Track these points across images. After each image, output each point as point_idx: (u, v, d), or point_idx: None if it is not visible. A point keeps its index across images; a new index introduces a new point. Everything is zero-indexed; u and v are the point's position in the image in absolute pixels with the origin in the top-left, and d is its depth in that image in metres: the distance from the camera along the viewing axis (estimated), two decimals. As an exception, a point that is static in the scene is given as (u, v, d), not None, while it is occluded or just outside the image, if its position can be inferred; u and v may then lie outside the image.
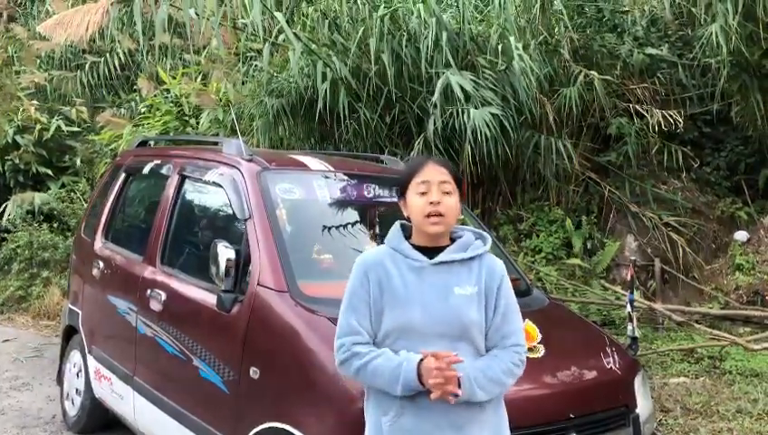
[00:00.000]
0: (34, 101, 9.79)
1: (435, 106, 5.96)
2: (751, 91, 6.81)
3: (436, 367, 2.03)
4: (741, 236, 7.22)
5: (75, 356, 4.88)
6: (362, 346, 2.15)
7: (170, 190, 4.11)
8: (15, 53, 11.12)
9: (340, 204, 3.79)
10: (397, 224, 2.31)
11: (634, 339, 4.00)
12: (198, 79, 8.56)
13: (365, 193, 3.84)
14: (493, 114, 5.90)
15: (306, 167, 3.93)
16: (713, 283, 6.94)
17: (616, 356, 3.28)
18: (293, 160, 4.11)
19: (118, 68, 9.99)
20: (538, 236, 6.98)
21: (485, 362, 2.16)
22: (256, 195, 3.44)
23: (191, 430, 3.38)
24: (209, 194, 4.00)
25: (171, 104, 8.44)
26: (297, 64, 6.24)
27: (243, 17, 6.77)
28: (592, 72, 6.67)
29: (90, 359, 4.59)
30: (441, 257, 2.20)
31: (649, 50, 7.07)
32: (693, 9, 6.79)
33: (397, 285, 2.17)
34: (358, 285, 2.20)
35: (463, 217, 3.12)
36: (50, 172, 9.42)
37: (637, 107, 6.92)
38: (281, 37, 6.59)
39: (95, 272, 4.67)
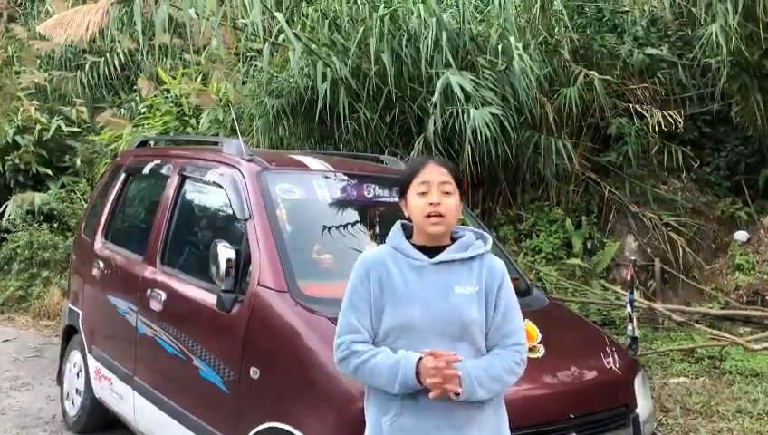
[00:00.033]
0: (34, 102, 9.79)
1: (435, 106, 5.96)
2: (751, 91, 6.81)
3: (434, 366, 2.03)
4: (741, 236, 7.22)
5: (75, 356, 4.88)
6: (361, 345, 2.16)
7: (170, 190, 4.11)
8: (15, 53, 11.12)
9: (341, 204, 3.79)
10: (398, 223, 2.31)
11: (634, 339, 4.01)
12: (198, 79, 8.56)
13: (365, 193, 3.84)
14: (493, 114, 5.90)
15: (306, 167, 3.93)
16: (713, 283, 6.94)
17: (616, 356, 3.29)
18: (293, 160, 4.11)
19: (118, 68, 10.00)
20: (538, 236, 6.98)
21: (487, 361, 2.16)
22: (256, 195, 3.44)
23: (191, 429, 3.38)
24: (209, 194, 4.00)
25: (171, 104, 8.45)
26: (297, 64, 6.24)
27: (243, 17, 6.77)
28: (592, 72, 6.67)
29: (90, 359, 4.59)
30: (442, 257, 2.20)
31: (649, 50, 7.07)
32: (693, 9, 6.79)
33: (397, 283, 2.18)
34: (358, 283, 2.21)
35: (463, 217, 3.12)
36: (50, 172, 9.42)
37: (637, 107, 6.92)
38: (281, 37, 6.59)
39: (95, 272, 4.67)
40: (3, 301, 8.29)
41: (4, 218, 8.85)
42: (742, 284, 6.75)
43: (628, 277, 4.55)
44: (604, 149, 7.41)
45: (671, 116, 6.56)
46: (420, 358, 2.07)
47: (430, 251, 2.22)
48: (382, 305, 2.17)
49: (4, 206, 9.02)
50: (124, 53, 9.86)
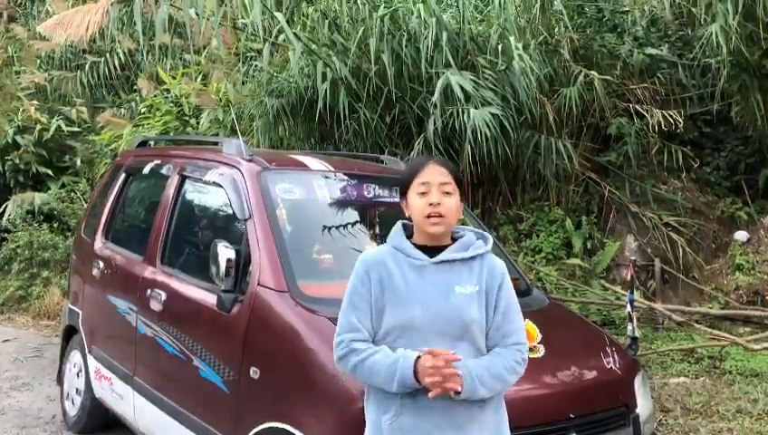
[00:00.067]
0: (34, 102, 9.79)
1: (435, 106, 5.96)
2: (751, 91, 6.81)
3: (432, 365, 2.03)
4: (741, 236, 7.22)
5: (75, 356, 4.88)
6: (361, 343, 2.16)
7: (170, 190, 4.11)
8: (15, 53, 11.12)
9: (341, 204, 3.79)
10: (399, 223, 2.32)
11: (634, 339, 4.01)
12: (198, 79, 8.56)
13: (365, 193, 3.84)
14: (493, 114, 5.90)
15: (306, 167, 3.93)
16: (713, 283, 6.95)
17: (616, 356, 3.29)
18: (293, 160, 4.11)
19: (118, 68, 10.00)
20: (538, 236, 6.98)
21: (489, 360, 2.17)
22: (256, 195, 3.44)
23: (191, 429, 3.38)
24: (209, 194, 4.00)
25: (171, 104, 8.45)
26: (297, 64, 6.24)
27: (243, 17, 6.77)
28: (592, 72, 6.67)
29: (90, 359, 4.59)
30: (442, 256, 2.21)
31: (649, 50, 7.07)
32: (693, 9, 6.79)
33: (398, 283, 2.18)
34: (359, 283, 2.21)
35: (463, 217, 3.13)
36: (50, 172, 9.42)
37: (637, 107, 6.92)
38: (281, 37, 6.59)
39: (95, 272, 4.67)
40: (3, 301, 8.29)
41: (5, 218, 8.85)
42: (742, 284, 6.75)
43: (629, 277, 4.55)
44: (604, 149, 7.41)
45: (671, 116, 6.56)
46: (419, 357, 2.07)
47: (431, 251, 2.22)
48: (383, 305, 2.18)
49: (4, 206, 9.03)
50: (124, 53, 9.86)
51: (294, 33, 6.14)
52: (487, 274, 2.23)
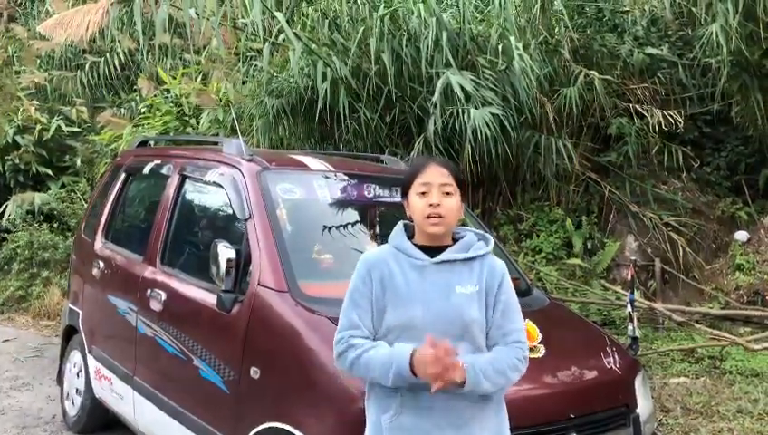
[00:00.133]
0: (34, 101, 9.80)
1: (435, 106, 5.96)
2: (751, 90, 6.81)
3: (434, 356, 2.00)
4: (741, 236, 7.22)
5: (75, 356, 4.88)
6: (360, 339, 2.16)
7: (170, 190, 4.11)
8: (15, 52, 11.12)
9: (341, 204, 3.79)
10: (400, 223, 2.32)
11: (634, 339, 4.00)
12: (198, 79, 8.56)
13: (365, 193, 3.84)
14: (493, 114, 5.90)
15: (306, 167, 3.93)
16: (713, 283, 6.94)
17: (616, 356, 3.28)
18: (294, 160, 4.11)
19: (118, 68, 10.01)
20: (538, 236, 6.98)
21: (491, 355, 2.17)
22: (257, 195, 3.44)
23: (191, 429, 3.38)
24: (209, 194, 4.00)
25: (171, 104, 8.45)
26: (297, 64, 6.24)
27: (243, 17, 6.77)
28: (592, 71, 6.67)
29: (90, 359, 4.59)
30: (443, 256, 2.21)
31: (650, 50, 7.07)
32: (693, 9, 6.79)
33: (399, 283, 2.18)
34: (360, 282, 2.21)
35: (463, 217, 3.13)
36: (50, 172, 9.42)
37: (637, 107, 6.92)
38: (281, 37, 6.58)
39: (95, 272, 4.67)
40: (3, 301, 8.29)
41: (5, 218, 8.85)
42: (742, 284, 6.75)
43: (629, 277, 4.55)
44: (604, 148, 7.41)
45: (671, 116, 6.56)
46: (414, 350, 2.06)
47: (432, 251, 2.22)
48: (384, 305, 2.18)
49: (4, 206, 9.03)
50: (124, 53, 9.87)
51: (294, 33, 6.14)
52: (487, 274, 2.23)
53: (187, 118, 8.25)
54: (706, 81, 7.34)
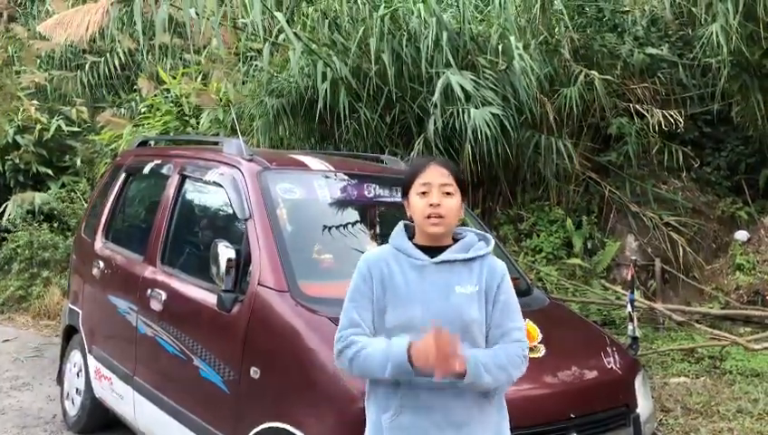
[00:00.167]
0: (35, 101, 9.80)
1: (435, 106, 5.96)
2: (751, 90, 6.81)
3: (436, 343, 1.98)
4: (741, 235, 7.22)
5: (75, 356, 4.88)
6: (359, 337, 2.16)
7: (171, 190, 4.11)
8: (16, 52, 11.12)
9: (341, 204, 3.79)
10: (400, 224, 2.32)
11: (634, 339, 4.00)
12: (198, 79, 8.56)
13: (365, 193, 3.84)
14: (493, 114, 5.90)
15: (306, 167, 3.93)
16: (713, 283, 6.94)
17: (616, 356, 3.28)
18: (294, 160, 4.11)
19: (118, 68, 10.01)
20: (538, 235, 6.98)
21: (493, 351, 2.16)
22: (257, 194, 3.44)
23: (191, 429, 3.38)
24: (210, 194, 4.00)
25: (171, 104, 8.45)
26: (297, 64, 6.24)
27: (243, 17, 6.77)
28: (593, 71, 6.67)
29: (90, 359, 4.58)
30: (443, 256, 2.21)
31: (650, 50, 7.07)
32: (693, 9, 6.79)
33: (399, 282, 2.18)
34: (361, 281, 2.22)
35: (464, 217, 3.13)
36: (50, 172, 9.42)
37: (637, 107, 6.92)
38: (281, 37, 6.59)
39: (95, 272, 4.67)
40: (3, 301, 8.29)
41: (5, 218, 8.85)
42: (742, 283, 6.75)
43: (629, 277, 4.54)
44: (604, 148, 7.41)
45: (671, 116, 6.56)
46: (412, 342, 2.05)
47: (432, 251, 2.22)
48: (384, 305, 2.18)
49: (4, 206, 9.03)
50: (124, 53, 9.86)
51: (294, 33, 6.14)
52: (487, 274, 2.23)
53: (187, 118, 8.25)
54: (707, 81, 7.34)
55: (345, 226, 3.67)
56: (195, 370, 3.38)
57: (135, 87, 9.75)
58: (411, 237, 2.28)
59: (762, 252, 7.01)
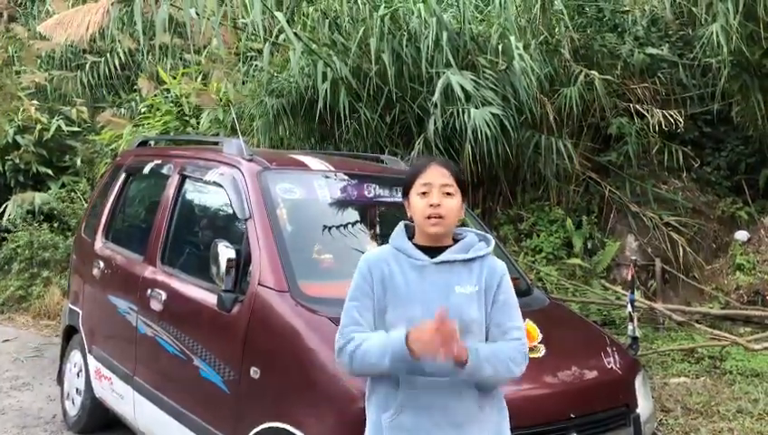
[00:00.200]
0: (35, 101, 9.80)
1: (435, 106, 5.96)
2: (751, 90, 6.81)
3: (438, 326, 1.98)
4: (741, 235, 7.22)
5: (75, 356, 4.88)
6: (359, 333, 2.16)
7: (171, 190, 4.11)
8: (16, 52, 11.12)
9: (341, 204, 3.79)
10: (401, 224, 2.33)
11: (635, 339, 4.00)
12: (199, 79, 8.56)
13: (365, 193, 3.84)
14: (493, 114, 5.90)
15: (307, 167, 3.93)
16: (713, 283, 6.94)
17: (616, 356, 3.28)
18: (294, 160, 4.11)
19: (118, 68, 10.01)
20: (538, 235, 6.98)
21: (493, 345, 2.17)
22: (257, 194, 3.44)
23: (191, 429, 3.38)
24: (210, 194, 4.00)
25: (171, 104, 8.45)
26: (297, 64, 6.24)
27: (243, 17, 6.77)
28: (593, 71, 6.67)
29: (90, 359, 4.59)
30: (443, 257, 2.21)
31: (650, 50, 7.07)
32: (693, 9, 6.79)
33: (399, 282, 2.18)
34: (362, 280, 2.22)
35: (464, 217, 3.13)
36: (50, 172, 9.42)
37: (637, 107, 6.92)
38: (281, 37, 6.59)
39: (95, 272, 4.67)
40: (3, 301, 8.29)
41: (5, 218, 8.85)
42: (742, 283, 6.75)
43: (629, 277, 4.54)
44: (604, 148, 7.41)
45: (672, 116, 6.56)
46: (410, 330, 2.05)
47: (432, 251, 2.22)
48: (385, 305, 2.18)
49: (4, 206, 9.03)
50: (124, 53, 9.87)
51: (295, 33, 6.14)
52: (487, 274, 2.23)
53: (187, 118, 8.25)
54: (707, 81, 7.34)
55: (345, 226, 3.67)
56: (195, 370, 3.38)
57: (135, 87, 9.75)
58: (411, 238, 2.28)
59: (762, 252, 7.01)
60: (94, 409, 4.57)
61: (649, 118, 6.72)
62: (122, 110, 9.80)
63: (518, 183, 7.27)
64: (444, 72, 5.99)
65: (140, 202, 4.88)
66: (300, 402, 2.80)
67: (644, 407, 3.25)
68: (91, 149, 9.51)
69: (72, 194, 9.00)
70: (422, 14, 6.11)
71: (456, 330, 2.01)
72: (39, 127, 9.37)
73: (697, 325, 6.00)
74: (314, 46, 6.38)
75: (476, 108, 5.90)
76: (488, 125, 5.82)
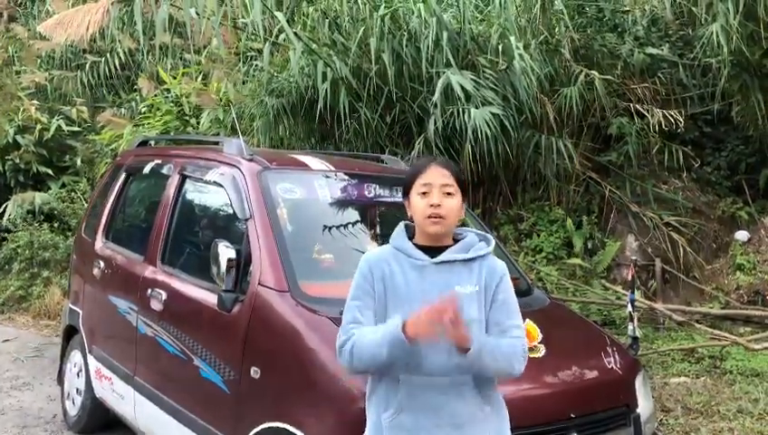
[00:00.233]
0: (35, 101, 9.80)
1: (435, 106, 5.96)
2: (751, 90, 6.81)
3: (438, 308, 1.99)
4: (741, 235, 7.22)
5: (76, 356, 4.88)
6: (359, 329, 2.16)
7: (171, 190, 4.11)
8: (16, 52, 11.13)
9: (341, 204, 3.79)
10: (401, 224, 2.33)
11: (635, 339, 4.00)
12: (199, 79, 8.57)
13: (365, 193, 3.84)
14: (493, 114, 5.90)
15: (307, 166, 3.93)
16: (713, 282, 6.94)
17: (617, 356, 3.28)
18: (294, 160, 4.10)
19: (118, 68, 10.01)
20: (539, 235, 6.98)
21: (496, 339, 2.16)
22: (257, 194, 3.44)
23: (191, 429, 3.38)
24: (210, 194, 4.00)
25: (172, 104, 8.45)
26: (297, 64, 6.24)
27: (243, 17, 6.77)
28: (593, 71, 6.67)
29: (90, 359, 4.59)
30: (443, 257, 2.21)
31: (650, 49, 7.07)
32: (693, 9, 6.79)
33: (399, 282, 2.19)
34: (362, 280, 2.22)
35: (464, 217, 3.13)
36: (50, 172, 9.42)
37: (637, 107, 6.92)
38: (281, 37, 6.59)
39: (96, 272, 4.67)
40: (3, 301, 8.29)
41: (5, 218, 8.85)
42: (742, 283, 6.75)
43: (629, 277, 4.55)
44: (605, 148, 7.41)
45: (672, 116, 6.56)
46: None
47: (432, 251, 2.22)
48: (385, 304, 2.18)
49: (4, 205, 9.03)
50: (124, 53, 9.87)
51: (295, 33, 6.14)
52: (487, 274, 2.23)
53: (187, 118, 8.25)
54: (707, 80, 7.34)
55: (345, 226, 3.67)
56: (195, 370, 3.38)
57: (135, 87, 9.76)
58: (412, 238, 2.28)
59: (762, 252, 7.01)
60: (94, 409, 4.57)
61: (649, 118, 6.72)
62: (122, 109, 9.80)
63: (518, 183, 7.27)
64: (444, 72, 5.99)
65: (141, 202, 4.88)
66: (300, 402, 2.80)
67: (644, 407, 3.25)
68: (91, 148, 9.51)
69: (73, 194, 9.00)
70: (422, 13, 6.11)
71: (458, 307, 2.00)
72: (39, 127, 9.37)
73: (698, 325, 6.00)
74: (314, 46, 6.38)
75: (476, 108, 5.90)
76: (488, 125, 5.82)
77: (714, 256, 7.28)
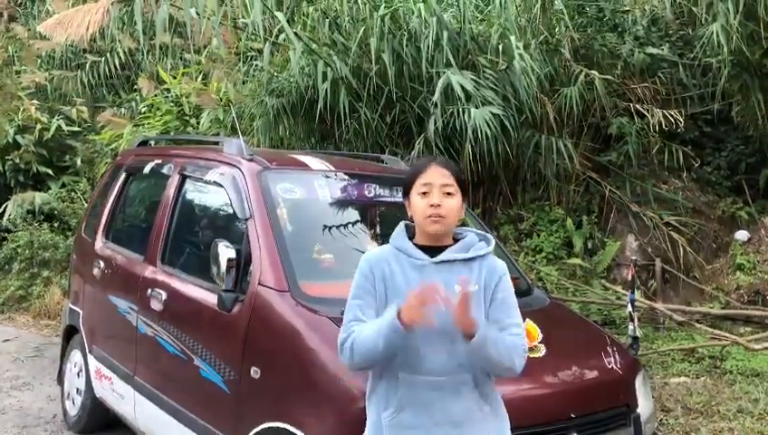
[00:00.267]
0: (35, 101, 9.80)
1: (435, 106, 5.96)
2: (752, 90, 6.81)
3: (426, 290, 2.00)
4: (741, 235, 7.22)
5: (76, 356, 4.88)
6: (359, 326, 2.16)
7: (171, 190, 4.11)
8: (16, 52, 11.13)
9: (341, 204, 3.79)
10: (401, 224, 2.33)
11: (635, 339, 4.00)
12: (199, 78, 8.57)
13: (366, 193, 3.84)
14: (493, 114, 5.90)
15: (307, 166, 3.93)
16: (714, 282, 6.94)
17: (617, 356, 3.28)
18: (294, 160, 4.11)
19: (118, 68, 10.01)
20: (539, 235, 6.98)
21: (499, 333, 2.16)
22: (257, 194, 3.44)
23: (192, 429, 3.38)
24: (210, 193, 4.00)
25: (172, 104, 8.45)
26: (298, 64, 6.24)
27: (243, 17, 6.77)
28: (593, 71, 6.67)
29: (90, 358, 4.59)
30: (443, 256, 2.22)
31: (650, 49, 7.07)
32: (694, 9, 6.79)
33: (399, 282, 2.19)
34: (363, 279, 2.23)
35: (464, 217, 3.13)
36: (50, 172, 9.42)
37: (637, 106, 6.92)
38: (281, 37, 6.59)
39: (96, 272, 4.67)
40: (3, 301, 8.29)
41: (5, 218, 8.85)
42: (742, 283, 6.75)
43: (629, 277, 4.55)
44: (605, 148, 7.41)
45: (672, 115, 6.56)
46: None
47: (432, 251, 2.23)
48: (386, 304, 2.18)
49: (4, 205, 9.03)
50: (125, 53, 9.87)
51: (295, 33, 6.14)
52: (486, 274, 2.24)
53: (187, 118, 8.25)
54: (707, 80, 7.34)
55: (345, 226, 3.67)
56: (195, 370, 3.38)
57: (135, 87, 9.76)
58: (412, 237, 2.29)
59: (762, 252, 7.01)
60: (94, 409, 4.57)
61: (650, 118, 6.72)
62: (122, 109, 9.80)
63: (518, 183, 7.27)
64: (444, 72, 5.99)
65: (141, 202, 4.88)
66: (300, 402, 2.80)
67: (644, 407, 3.25)
68: (91, 148, 9.51)
69: (73, 194, 9.00)
70: (422, 13, 6.11)
71: (443, 290, 2.02)
72: (39, 127, 9.37)
73: (698, 325, 6.00)
74: (314, 46, 6.38)
75: (476, 108, 5.90)
76: (488, 125, 5.82)
77: (714, 256, 7.28)
